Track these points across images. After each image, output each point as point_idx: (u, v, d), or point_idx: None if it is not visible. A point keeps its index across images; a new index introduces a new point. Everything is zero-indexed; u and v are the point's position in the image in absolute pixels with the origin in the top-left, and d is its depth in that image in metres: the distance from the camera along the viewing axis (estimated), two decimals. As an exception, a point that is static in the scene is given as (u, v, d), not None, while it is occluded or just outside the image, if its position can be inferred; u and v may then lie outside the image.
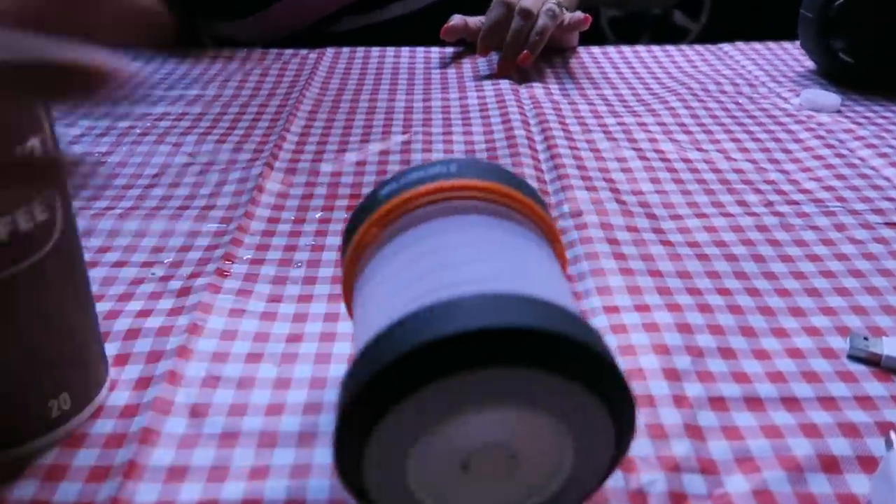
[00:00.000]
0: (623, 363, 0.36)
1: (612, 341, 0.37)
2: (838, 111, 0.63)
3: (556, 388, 0.23)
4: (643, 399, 0.34)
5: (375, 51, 0.78)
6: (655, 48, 0.79)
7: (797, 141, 0.58)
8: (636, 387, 0.34)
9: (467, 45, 0.78)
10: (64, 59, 0.21)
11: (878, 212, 0.48)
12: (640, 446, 0.31)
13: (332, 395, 0.34)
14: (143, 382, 0.35)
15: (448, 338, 0.22)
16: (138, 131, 0.60)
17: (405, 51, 0.78)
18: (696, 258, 0.44)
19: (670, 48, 0.79)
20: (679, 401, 0.33)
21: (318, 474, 0.30)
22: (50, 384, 0.31)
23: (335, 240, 0.46)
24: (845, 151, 0.56)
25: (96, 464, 0.31)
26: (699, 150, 0.57)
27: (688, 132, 0.60)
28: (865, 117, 0.62)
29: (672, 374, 0.35)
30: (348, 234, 0.31)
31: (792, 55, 0.76)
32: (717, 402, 0.34)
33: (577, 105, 0.65)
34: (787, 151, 0.57)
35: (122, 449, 0.31)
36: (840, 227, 0.47)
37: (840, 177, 0.53)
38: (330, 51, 0.77)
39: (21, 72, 0.21)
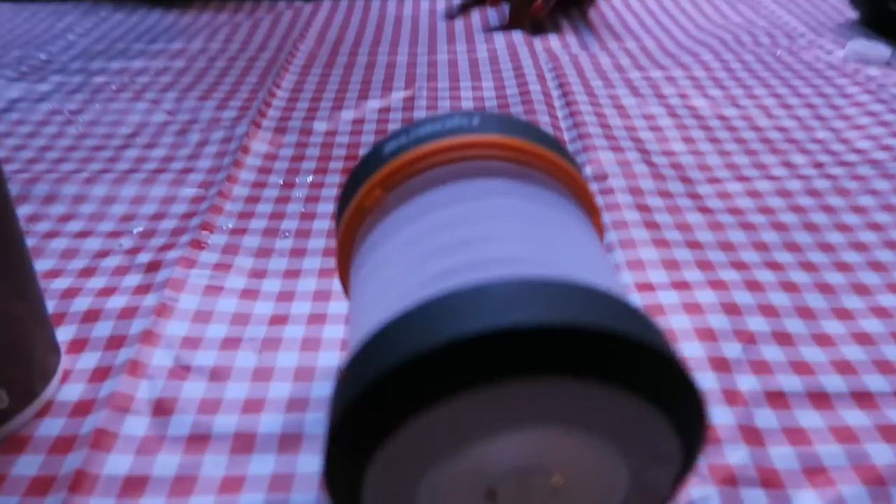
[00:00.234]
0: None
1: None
2: (888, 63, 0.57)
3: (609, 401, 0.17)
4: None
5: (376, 0, 0.72)
6: (681, -2, 0.73)
7: (845, 96, 0.52)
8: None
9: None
10: None
11: (944, 174, 0.43)
12: (687, 453, 0.26)
13: (320, 390, 0.29)
14: (101, 373, 0.29)
15: (472, 338, 0.16)
16: (114, 87, 0.54)
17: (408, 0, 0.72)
18: (739, 227, 0.38)
19: (697, -2, 0.73)
20: (731, 397, 0.28)
21: (302, 486, 0.25)
22: (-20, 379, 0.25)
23: (328, 206, 0.41)
24: (900, 107, 0.50)
25: (38, 473, 0.26)
26: (735, 106, 0.51)
27: (722, 87, 0.54)
28: (918, 70, 0.56)
29: (721, 365, 0.30)
30: (345, 198, 0.26)
31: (831, 4, 0.70)
32: (777, 398, 0.28)
33: (597, 58, 0.59)
34: (834, 108, 0.51)
35: (71, 454, 0.26)
36: (902, 192, 0.41)
37: (896, 135, 0.47)
38: (326, 2, 0.71)
39: None
